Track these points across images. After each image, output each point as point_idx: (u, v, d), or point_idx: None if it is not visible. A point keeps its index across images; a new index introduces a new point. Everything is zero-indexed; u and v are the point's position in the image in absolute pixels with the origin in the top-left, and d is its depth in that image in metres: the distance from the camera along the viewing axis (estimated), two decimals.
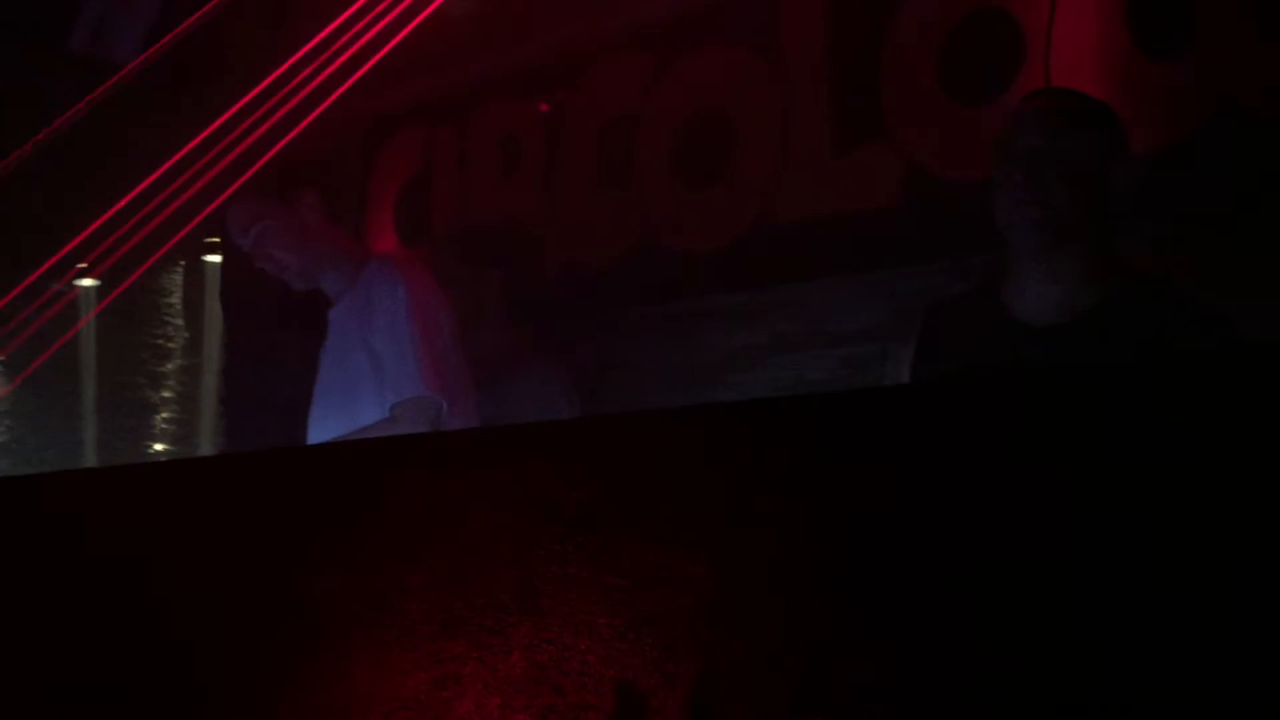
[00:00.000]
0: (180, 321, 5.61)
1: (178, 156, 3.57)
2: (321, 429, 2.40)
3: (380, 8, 3.13)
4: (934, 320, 1.87)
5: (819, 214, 2.92)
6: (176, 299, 5.60)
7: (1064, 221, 1.70)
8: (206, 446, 5.24)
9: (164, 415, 5.71)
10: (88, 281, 5.40)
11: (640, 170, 3.28)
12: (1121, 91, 2.41)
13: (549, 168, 3.47)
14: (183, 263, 5.53)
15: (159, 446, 5.66)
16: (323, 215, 2.38)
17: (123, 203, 3.74)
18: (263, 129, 3.15)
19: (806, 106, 2.96)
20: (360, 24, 3.11)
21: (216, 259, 4.98)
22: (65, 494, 1.34)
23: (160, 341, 5.67)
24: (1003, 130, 1.79)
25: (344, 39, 3.09)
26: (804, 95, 2.96)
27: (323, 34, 3.12)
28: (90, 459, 5.23)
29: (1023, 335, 1.73)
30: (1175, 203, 2.31)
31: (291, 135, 3.43)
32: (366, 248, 2.48)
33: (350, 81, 3.19)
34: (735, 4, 3.12)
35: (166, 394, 5.67)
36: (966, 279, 2.75)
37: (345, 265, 2.39)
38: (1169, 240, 2.26)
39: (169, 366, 5.67)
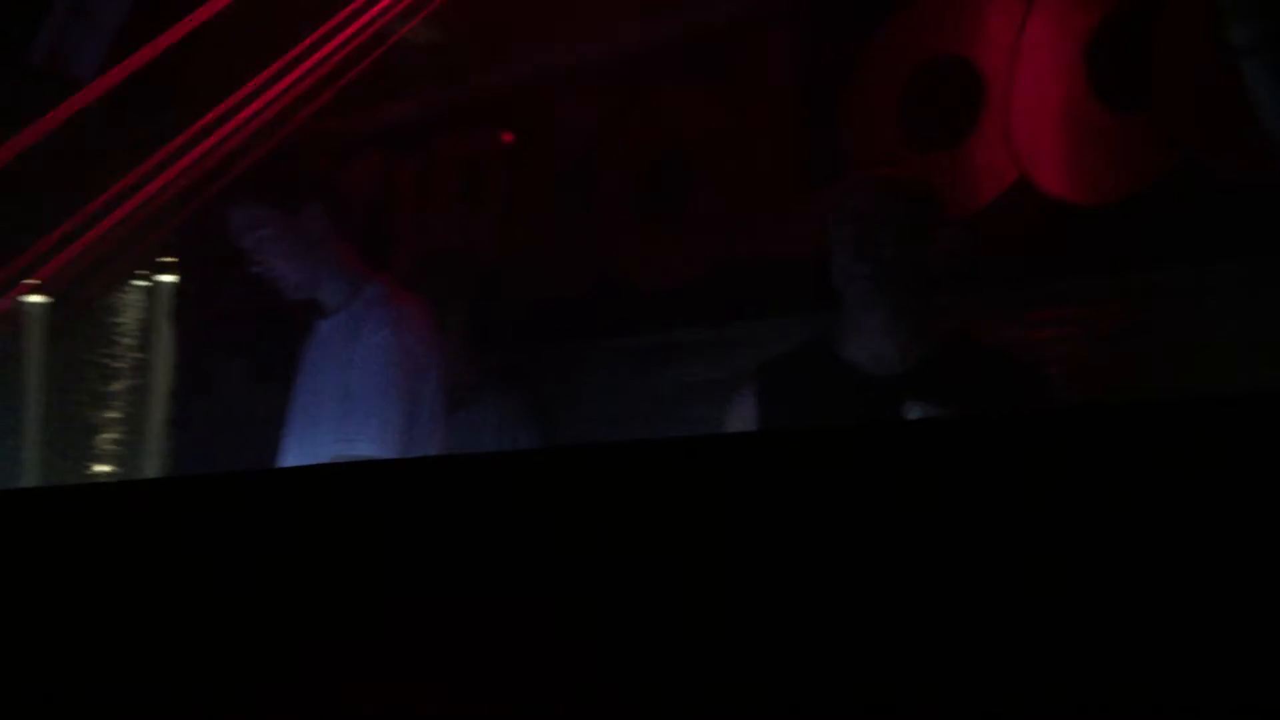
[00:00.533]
0: (130, 341, 5.53)
1: (133, 175, 3.54)
2: (288, 437, 2.38)
3: (346, 33, 3.12)
4: (768, 378, 2.01)
5: (779, 252, 2.94)
6: (127, 318, 5.52)
7: (891, 276, 1.91)
8: (151, 469, 5.15)
9: (108, 436, 5.61)
10: (36, 298, 5.31)
11: (602, 203, 3.29)
12: (1082, 141, 2.46)
13: (510, 198, 3.47)
14: (134, 282, 5.45)
15: (101, 467, 5.55)
16: (326, 227, 2.34)
17: (76, 219, 3.68)
18: (223, 149, 3.12)
19: (769, 144, 2.98)
20: (325, 48, 3.10)
21: (171, 278, 4.91)
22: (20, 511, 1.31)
23: (107, 361, 5.57)
24: (838, 197, 2.07)
25: (309, 62, 3.07)
26: (766, 133, 2.99)
27: (287, 56, 3.10)
28: (30, 478, 5.12)
29: (862, 382, 1.92)
30: (1135, 252, 2.35)
31: (248, 158, 3.41)
32: (368, 266, 2.42)
33: (309, 107, 3.18)
34: (699, 41, 3.14)
35: (112, 415, 5.57)
36: None
37: (343, 281, 2.35)
38: (1137, 289, 2.31)
39: (116, 386, 5.58)
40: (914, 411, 1.68)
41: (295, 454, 2.31)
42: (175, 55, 2.98)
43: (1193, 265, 2.26)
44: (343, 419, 2.22)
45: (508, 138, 3.52)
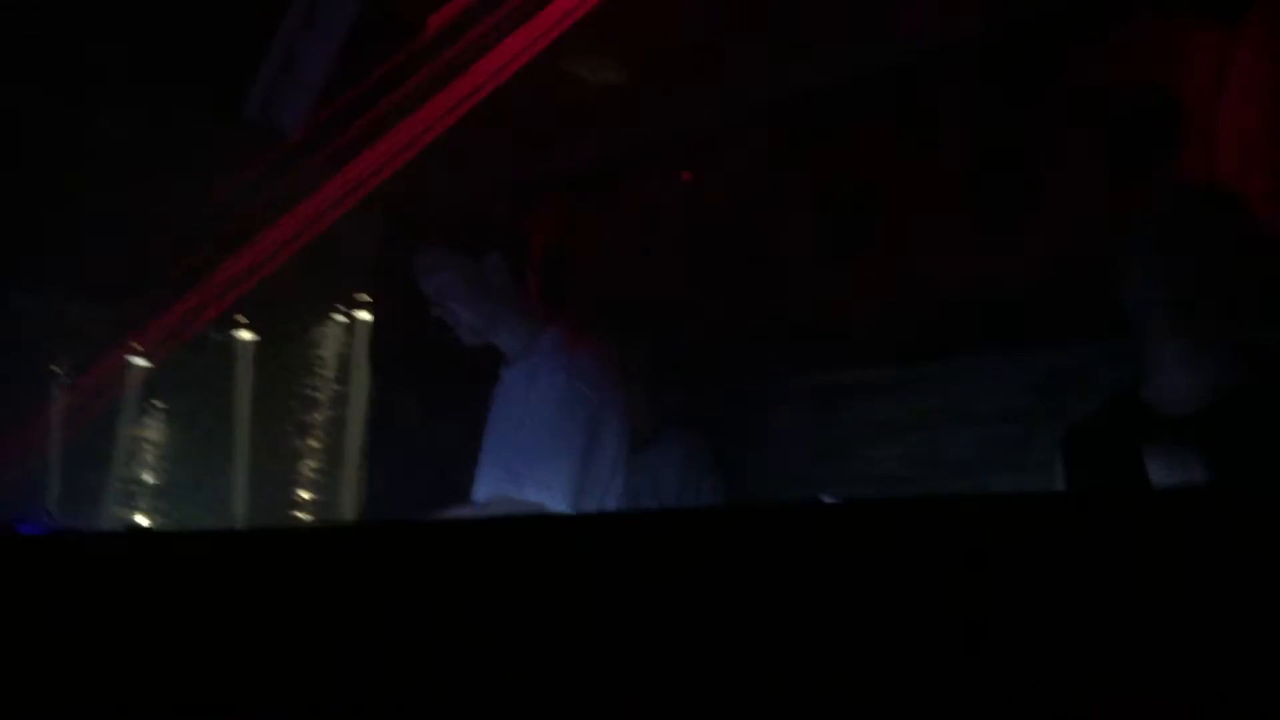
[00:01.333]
0: (329, 374, 5.80)
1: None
2: (479, 483, 2.42)
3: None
4: (1072, 445, 1.83)
5: (965, 290, 2.87)
6: (327, 351, 5.80)
7: (1193, 302, 1.68)
8: (348, 496, 5.38)
9: (310, 464, 5.89)
10: (245, 333, 5.64)
11: (784, 241, 3.28)
12: None
13: (689, 240, 3.50)
14: (335, 316, 5.72)
15: (304, 494, 5.83)
16: (507, 277, 2.37)
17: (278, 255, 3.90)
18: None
19: (957, 181, 2.92)
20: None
21: (367, 315, 5.14)
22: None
23: (310, 392, 5.86)
24: (1136, 212, 1.80)
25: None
26: (955, 169, 2.93)
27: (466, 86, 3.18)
28: (238, 504, 5.42)
29: (1168, 429, 1.67)
30: None
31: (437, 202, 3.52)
32: (545, 313, 2.44)
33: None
34: (886, 78, 3.11)
35: (313, 443, 5.85)
36: (1113, 363, 2.67)
37: (521, 329, 2.37)
38: None
39: (317, 417, 5.86)
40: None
41: (476, 493, 2.35)
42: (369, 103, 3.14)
43: None
44: (512, 459, 2.24)
45: (687, 176, 3.55)
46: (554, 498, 2.15)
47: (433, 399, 3.89)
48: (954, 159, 2.94)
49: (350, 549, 1.32)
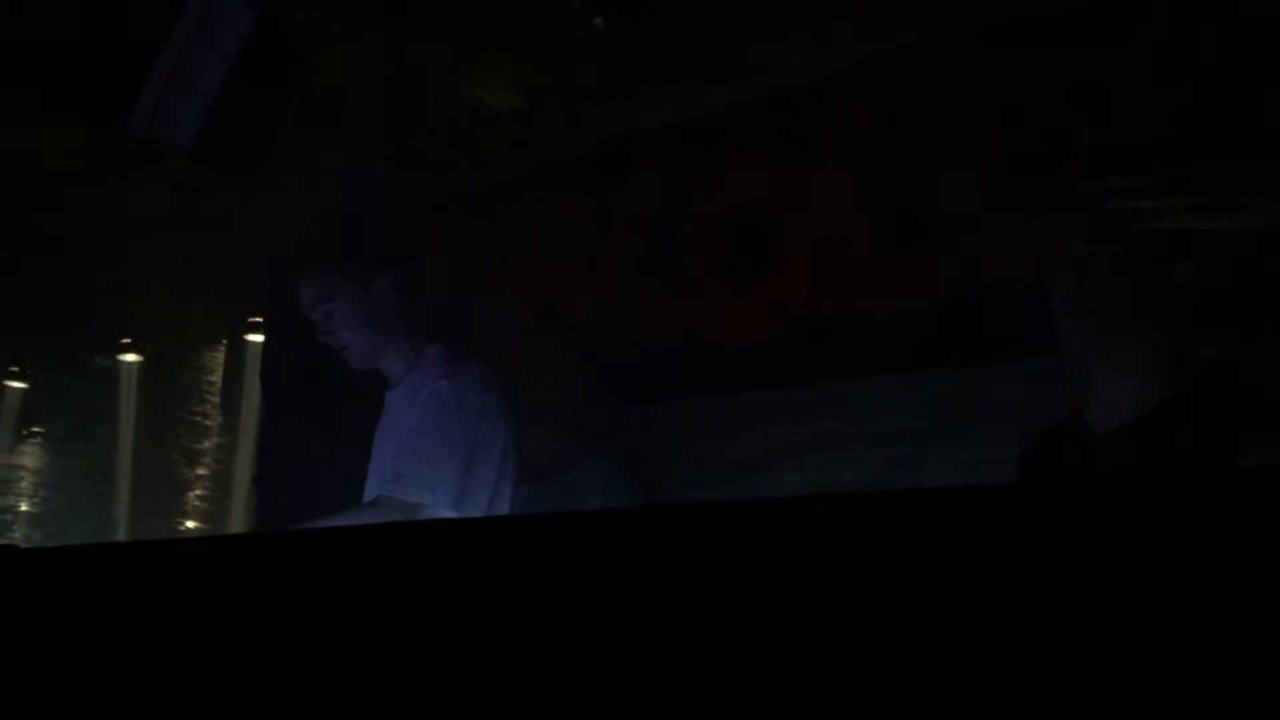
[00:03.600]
0: (218, 399, 5.65)
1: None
2: (365, 491, 2.39)
3: None
4: (1026, 463, 1.86)
5: (862, 312, 2.90)
6: (217, 377, 5.65)
7: (1110, 325, 1.70)
8: (237, 526, 5.23)
9: (197, 492, 5.72)
10: (130, 357, 5.46)
11: (684, 263, 3.29)
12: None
13: (593, 261, 3.49)
14: (224, 341, 5.59)
15: (190, 524, 5.66)
16: (395, 302, 2.37)
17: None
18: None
19: (853, 204, 2.96)
20: None
21: (258, 338, 5.02)
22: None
23: (198, 419, 5.70)
24: (1063, 240, 1.80)
25: None
26: (851, 193, 2.97)
27: None
28: (121, 534, 5.23)
29: (1098, 445, 1.70)
30: None
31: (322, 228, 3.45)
32: (429, 337, 2.44)
33: None
34: (784, 103, 3.15)
35: (201, 471, 5.68)
36: (1009, 383, 2.73)
37: (406, 352, 2.38)
38: None
39: (205, 444, 5.70)
40: None
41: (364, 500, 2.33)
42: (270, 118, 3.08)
43: None
44: (396, 461, 2.23)
45: (590, 199, 3.54)
46: (436, 500, 2.15)
47: (327, 424, 3.81)
48: (852, 182, 2.98)
49: (266, 558, 1.27)
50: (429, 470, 2.18)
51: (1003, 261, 2.67)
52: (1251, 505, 0.67)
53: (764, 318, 3.09)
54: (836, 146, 3.02)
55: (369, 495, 2.35)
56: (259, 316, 4.86)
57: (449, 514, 2.16)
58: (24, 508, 5.28)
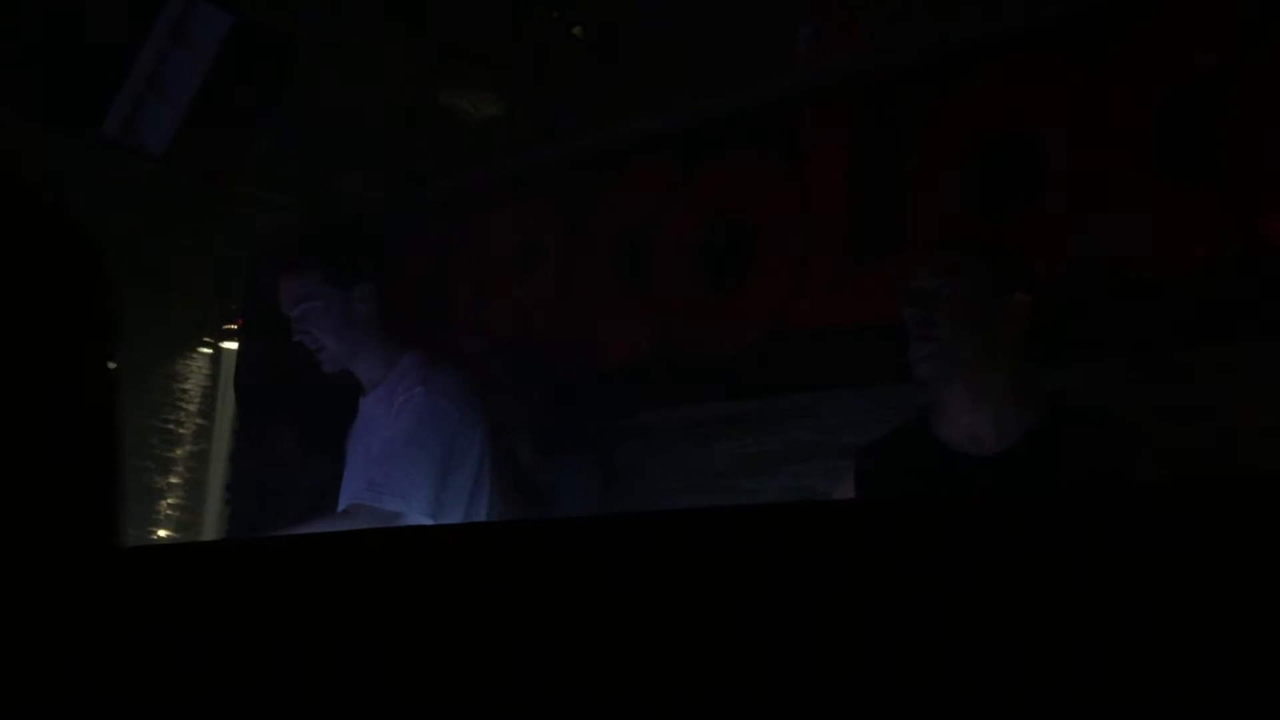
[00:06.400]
0: (193, 407, 5.61)
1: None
2: (340, 500, 2.37)
3: None
4: (869, 461, 1.95)
5: (837, 323, 2.91)
6: (189, 384, 5.61)
7: (955, 355, 1.83)
8: (210, 534, 5.19)
9: (170, 501, 5.67)
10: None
11: (659, 273, 3.29)
12: (1143, 216, 2.42)
13: (569, 269, 3.49)
14: (199, 348, 5.55)
15: (162, 532, 5.61)
16: (374, 307, 2.37)
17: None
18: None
19: (828, 217, 2.97)
20: None
21: (233, 345, 4.99)
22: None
23: (171, 426, 5.66)
24: (905, 279, 1.97)
25: None
26: (826, 205, 2.98)
27: None
28: None
29: (963, 463, 1.81)
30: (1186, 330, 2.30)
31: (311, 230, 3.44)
32: (402, 343, 2.43)
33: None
34: (760, 114, 3.16)
35: (174, 479, 5.64)
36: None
37: (381, 357, 2.37)
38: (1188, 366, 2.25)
39: (178, 452, 5.65)
40: None
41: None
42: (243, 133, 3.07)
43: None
44: (370, 470, 2.21)
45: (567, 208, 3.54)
46: (412, 508, 2.14)
47: (303, 431, 3.79)
48: (827, 194, 2.99)
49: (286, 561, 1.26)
50: (404, 478, 2.17)
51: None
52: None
53: (740, 328, 3.10)
54: (812, 156, 3.03)
55: (343, 503, 2.33)
56: (233, 323, 4.83)
57: (426, 523, 2.15)
58: None
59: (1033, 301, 1.86)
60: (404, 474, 2.16)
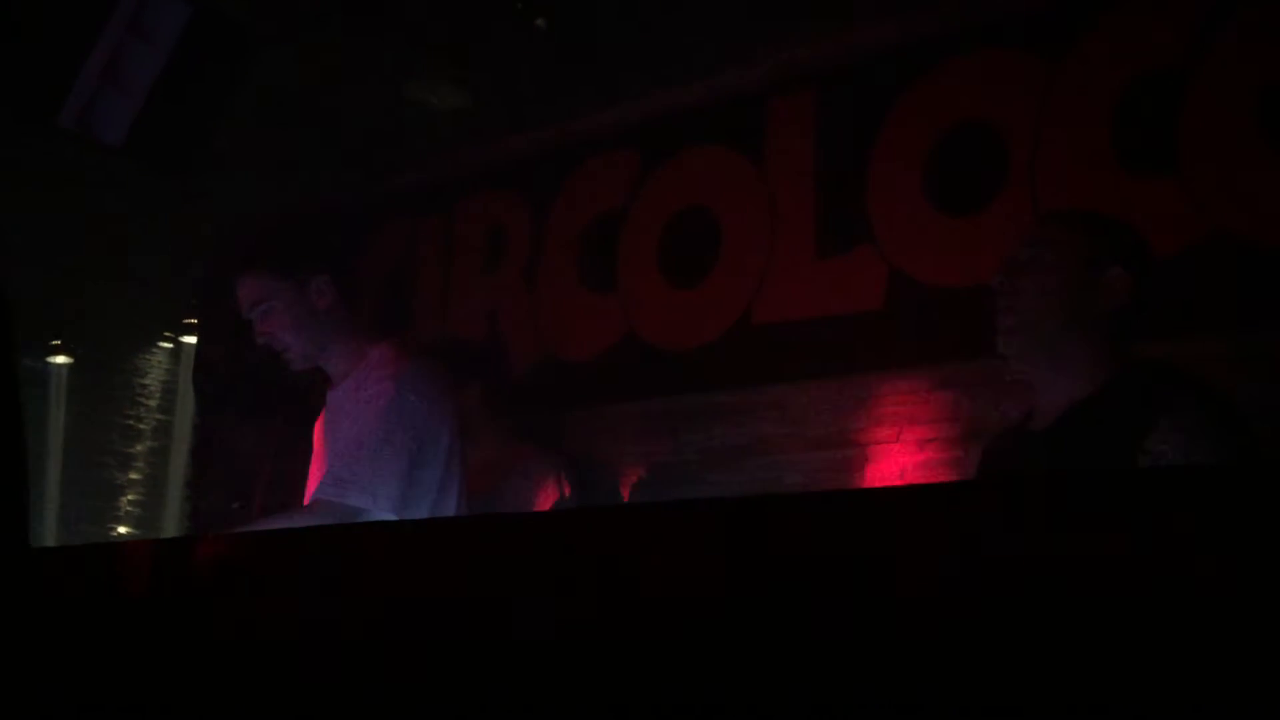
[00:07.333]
0: (153, 403, 5.54)
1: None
2: (306, 495, 2.33)
3: None
4: (986, 460, 1.88)
5: (802, 316, 2.92)
6: (149, 379, 5.53)
7: (1036, 327, 1.72)
8: (171, 531, 5.14)
9: (130, 497, 5.60)
10: (60, 359, 5.35)
11: (625, 265, 3.28)
12: (1105, 208, 2.44)
13: (534, 261, 3.47)
14: (159, 343, 5.48)
15: (122, 529, 5.54)
16: (333, 299, 2.32)
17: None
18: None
19: (792, 209, 2.97)
20: None
21: (192, 340, 4.93)
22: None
23: (131, 422, 5.59)
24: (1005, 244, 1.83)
25: None
26: (790, 197, 2.98)
27: None
28: (51, 540, 5.11)
29: (1037, 443, 1.73)
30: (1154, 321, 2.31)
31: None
32: (372, 334, 2.38)
33: None
34: (724, 107, 3.15)
35: (135, 476, 5.57)
36: (946, 386, 2.75)
37: (349, 349, 2.31)
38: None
39: (138, 448, 5.59)
40: None
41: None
42: (204, 121, 3.02)
43: None
44: (336, 465, 2.17)
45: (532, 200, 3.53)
46: (379, 504, 2.11)
47: (263, 425, 3.75)
48: (791, 186, 2.99)
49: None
50: (371, 475, 2.13)
51: (943, 266, 2.70)
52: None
53: (705, 320, 3.10)
54: (778, 149, 3.03)
55: (309, 497, 2.30)
56: (192, 318, 4.77)
57: (391, 518, 2.12)
58: None
59: (1130, 277, 1.72)
60: (371, 470, 2.13)
